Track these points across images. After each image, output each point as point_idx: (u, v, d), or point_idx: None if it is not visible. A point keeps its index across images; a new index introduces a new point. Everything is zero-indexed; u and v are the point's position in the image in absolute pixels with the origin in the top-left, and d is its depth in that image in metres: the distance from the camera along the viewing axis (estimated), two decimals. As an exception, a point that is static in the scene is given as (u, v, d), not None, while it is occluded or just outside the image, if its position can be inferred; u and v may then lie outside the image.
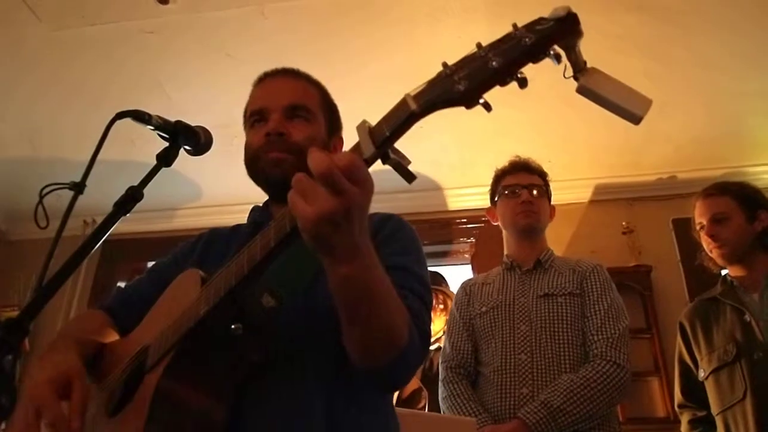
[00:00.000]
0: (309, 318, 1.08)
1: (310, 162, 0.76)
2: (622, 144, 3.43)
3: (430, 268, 3.58)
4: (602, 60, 3.02)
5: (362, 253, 0.84)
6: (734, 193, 2.30)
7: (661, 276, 3.40)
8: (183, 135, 1.12)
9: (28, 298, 0.90)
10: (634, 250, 3.44)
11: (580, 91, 0.76)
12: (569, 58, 0.73)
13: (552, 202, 2.46)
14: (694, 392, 2.27)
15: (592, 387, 1.98)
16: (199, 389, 0.98)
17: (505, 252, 2.53)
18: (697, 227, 2.35)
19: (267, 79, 1.38)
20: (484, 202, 3.58)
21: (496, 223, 2.51)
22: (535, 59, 0.70)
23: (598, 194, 3.70)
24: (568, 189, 3.45)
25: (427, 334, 1.10)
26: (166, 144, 1.16)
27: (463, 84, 0.71)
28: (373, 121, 0.79)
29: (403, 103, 0.76)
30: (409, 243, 1.23)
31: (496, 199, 2.44)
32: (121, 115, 1.07)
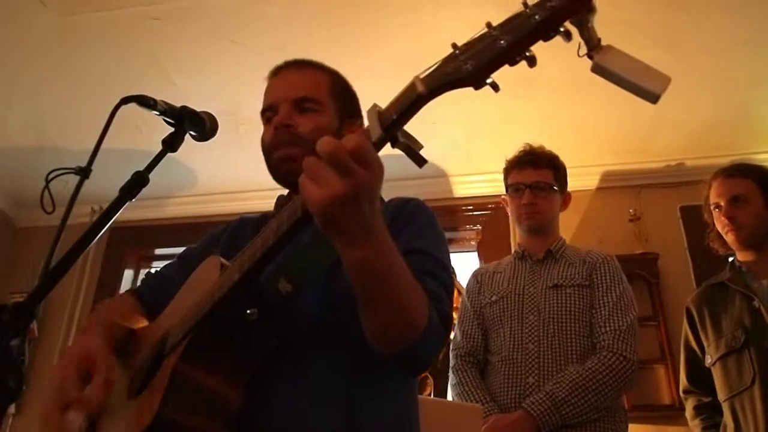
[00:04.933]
0: (327, 305, 1.08)
1: (318, 146, 0.76)
2: (630, 131, 3.41)
3: None
4: (606, 44, 2.97)
5: (375, 236, 0.84)
6: (756, 176, 2.28)
7: (668, 264, 3.39)
8: (188, 120, 1.12)
9: (35, 283, 0.91)
10: (641, 237, 3.42)
11: (595, 69, 0.73)
12: (582, 36, 0.71)
13: (568, 192, 2.44)
14: (700, 378, 2.27)
15: (598, 379, 1.98)
16: (215, 373, 0.99)
17: (517, 241, 2.53)
18: (712, 207, 2.31)
19: (278, 73, 1.39)
20: (491, 189, 3.59)
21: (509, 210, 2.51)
22: (546, 37, 0.67)
23: (605, 181, 3.68)
24: (574, 176, 3.41)
25: (449, 316, 1.09)
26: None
27: (470, 64, 0.70)
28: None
29: (411, 85, 0.75)
30: (427, 226, 1.23)
31: (507, 191, 2.44)
32: (126, 100, 1.07)
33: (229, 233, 1.39)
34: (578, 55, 0.71)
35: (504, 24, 0.69)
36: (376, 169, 0.78)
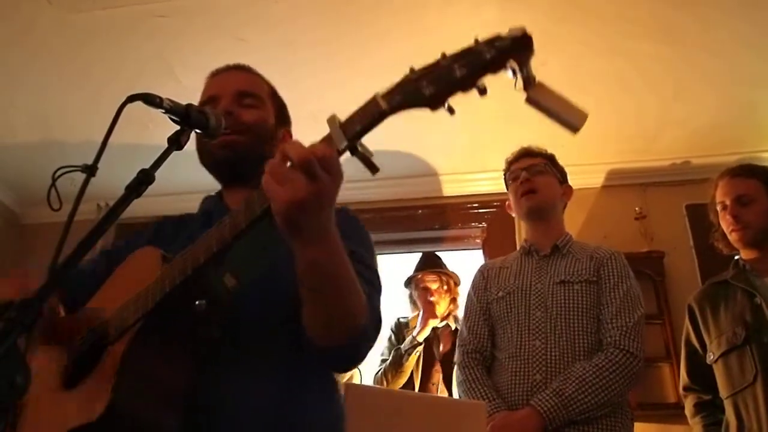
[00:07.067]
0: (268, 300, 1.14)
1: (288, 149, 0.83)
2: (635, 129, 3.40)
3: (432, 251, 3.56)
4: (614, 44, 3.02)
5: (329, 239, 0.92)
6: (762, 177, 2.29)
7: (674, 262, 3.39)
8: (194, 118, 1.13)
9: (42, 280, 0.91)
10: (647, 235, 3.42)
11: (528, 101, 0.84)
12: (521, 72, 0.81)
13: (568, 184, 2.47)
14: (700, 375, 2.27)
15: (605, 376, 1.98)
16: (163, 360, 1.03)
17: (524, 236, 2.54)
18: (718, 206, 2.33)
19: (218, 73, 1.46)
20: (496, 187, 3.59)
21: (514, 215, 2.53)
22: (494, 71, 0.79)
23: (610, 179, 3.67)
24: (580, 174, 3.42)
25: (379, 316, 1.18)
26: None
27: (430, 89, 0.80)
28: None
29: (374, 102, 0.84)
30: (358, 233, 1.30)
31: (508, 191, 2.46)
32: (132, 98, 1.08)
33: (152, 233, 1.42)
34: (515, 89, 0.83)
35: (458, 56, 0.79)
36: (338, 177, 0.86)
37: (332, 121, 0.86)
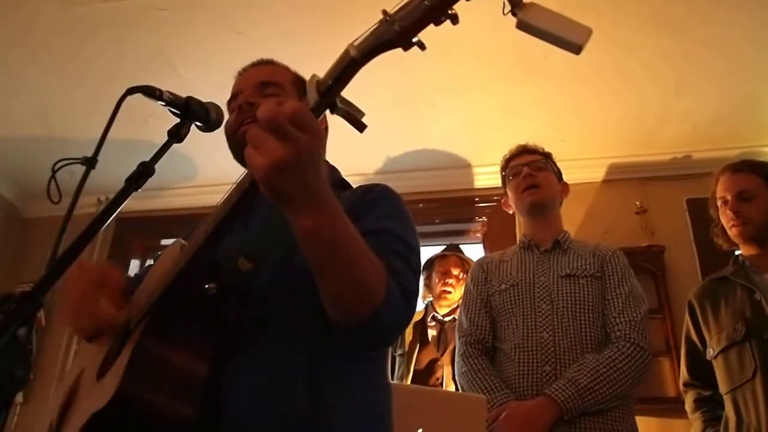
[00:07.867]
0: (288, 282, 1.09)
1: (257, 113, 0.79)
2: (636, 123, 3.40)
3: (431, 245, 3.49)
4: (615, 39, 3.00)
5: (322, 203, 0.85)
6: (763, 172, 2.29)
7: (674, 256, 3.38)
8: (194, 111, 1.13)
9: (43, 273, 0.91)
10: (647, 230, 3.42)
11: (520, 26, 0.76)
12: None
13: (565, 181, 2.47)
14: (700, 371, 2.28)
15: (618, 368, 1.99)
16: (177, 347, 1.00)
17: (522, 232, 2.54)
18: (719, 201, 2.33)
19: (244, 71, 1.47)
20: (496, 181, 3.59)
21: (511, 212, 2.53)
22: None
23: (611, 173, 3.67)
24: (580, 168, 3.42)
25: (411, 293, 1.10)
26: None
27: (397, 25, 0.74)
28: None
29: (345, 52, 0.79)
30: (394, 208, 1.24)
31: (506, 187, 2.47)
32: (132, 91, 1.08)
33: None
34: (503, 14, 0.75)
35: None
36: (315, 134, 0.80)
37: (310, 81, 0.83)
